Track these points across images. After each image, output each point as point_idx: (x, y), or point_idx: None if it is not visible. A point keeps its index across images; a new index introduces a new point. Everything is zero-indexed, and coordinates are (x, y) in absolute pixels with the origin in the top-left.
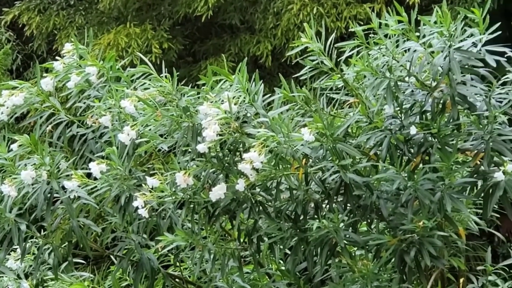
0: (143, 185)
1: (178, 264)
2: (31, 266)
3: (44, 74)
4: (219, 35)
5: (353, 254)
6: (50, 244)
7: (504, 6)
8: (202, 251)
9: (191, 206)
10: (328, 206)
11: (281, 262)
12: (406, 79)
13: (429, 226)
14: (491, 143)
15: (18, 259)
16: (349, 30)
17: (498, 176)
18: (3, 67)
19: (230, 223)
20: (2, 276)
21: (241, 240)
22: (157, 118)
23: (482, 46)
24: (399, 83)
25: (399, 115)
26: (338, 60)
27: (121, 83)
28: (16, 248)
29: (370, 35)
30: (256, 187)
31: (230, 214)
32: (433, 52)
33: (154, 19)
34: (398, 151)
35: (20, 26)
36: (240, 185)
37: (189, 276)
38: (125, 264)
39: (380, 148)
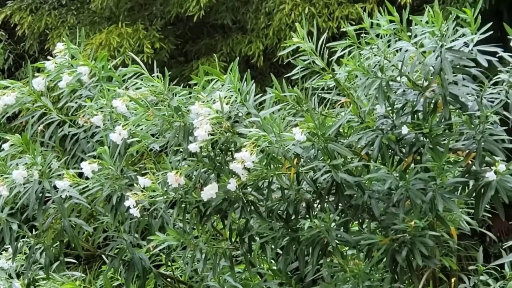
0: (134, 184)
1: (169, 263)
2: (22, 265)
3: (36, 74)
4: (211, 35)
5: (345, 254)
6: (42, 244)
7: (496, 6)
8: (194, 251)
9: (183, 205)
10: (319, 205)
11: (273, 261)
12: (398, 79)
13: (421, 226)
14: (482, 143)
15: (10, 258)
16: (341, 30)
17: (490, 176)
18: None
19: (222, 223)
20: None
21: (233, 239)
22: (149, 117)
23: (474, 46)
24: (390, 83)
25: (391, 115)
26: (330, 60)
27: (113, 82)
28: (7, 248)
29: (361, 35)
30: (248, 187)
31: (222, 214)
32: (424, 52)
33: (146, 19)
34: (390, 150)
35: (12, 25)
36: (232, 184)
37: (181, 276)
38: (117, 263)
39: (372, 147)
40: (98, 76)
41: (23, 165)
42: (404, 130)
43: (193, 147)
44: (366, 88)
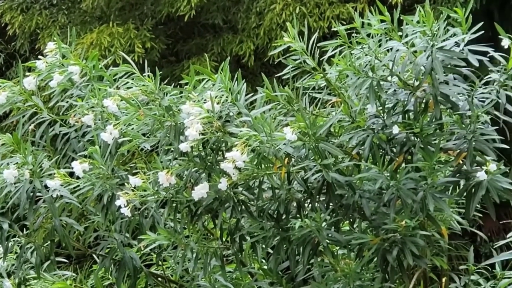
0: (125, 184)
1: (160, 263)
2: (13, 265)
3: (27, 73)
4: (201, 35)
5: (336, 253)
6: (33, 243)
7: (487, 6)
8: (185, 250)
9: (174, 205)
10: (310, 205)
11: (264, 261)
12: (389, 78)
13: (412, 226)
14: (473, 143)
15: (0, 258)
16: (332, 29)
17: (481, 175)
18: None
19: (213, 222)
20: None
21: (224, 239)
22: (140, 117)
23: (465, 45)
24: (381, 82)
25: (382, 114)
26: (321, 59)
27: (104, 82)
28: None
29: (352, 35)
30: (239, 186)
31: (213, 213)
32: (415, 51)
33: (137, 18)
34: (381, 150)
35: (2, 25)
36: (223, 184)
37: (172, 275)
38: (108, 263)
39: (363, 147)
40: (89, 75)
41: (14, 164)
42: (395, 129)
43: (184, 146)
44: (357, 88)
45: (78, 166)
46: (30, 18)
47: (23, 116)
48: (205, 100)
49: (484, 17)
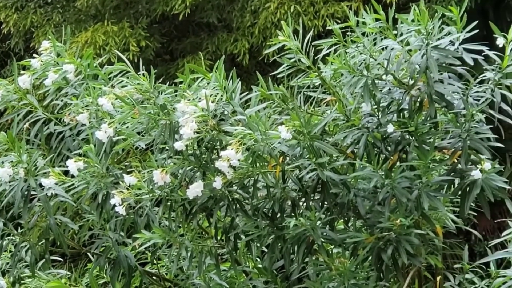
0: (120, 182)
1: (155, 261)
2: (8, 263)
3: (22, 72)
4: (196, 33)
5: (330, 252)
6: (27, 242)
7: (481, 4)
8: (179, 249)
9: (168, 203)
10: (305, 204)
11: (258, 259)
12: (384, 77)
13: (406, 224)
14: (468, 141)
15: None
16: (327, 28)
17: (475, 174)
18: None
19: (207, 221)
20: None
21: (218, 237)
22: (135, 116)
23: (460, 44)
24: (376, 81)
25: (376, 113)
26: (316, 58)
27: (99, 81)
28: None
29: (347, 33)
30: (233, 185)
31: (207, 212)
32: (410, 50)
33: (132, 17)
34: (375, 149)
35: None
36: (217, 182)
37: (166, 274)
38: (102, 261)
39: (357, 146)
40: (84, 74)
41: (8, 163)
42: (390, 128)
43: (178, 145)
44: (352, 87)
45: (73, 165)
46: (25, 17)
47: (18, 115)
48: (199, 98)
49: (479, 16)
